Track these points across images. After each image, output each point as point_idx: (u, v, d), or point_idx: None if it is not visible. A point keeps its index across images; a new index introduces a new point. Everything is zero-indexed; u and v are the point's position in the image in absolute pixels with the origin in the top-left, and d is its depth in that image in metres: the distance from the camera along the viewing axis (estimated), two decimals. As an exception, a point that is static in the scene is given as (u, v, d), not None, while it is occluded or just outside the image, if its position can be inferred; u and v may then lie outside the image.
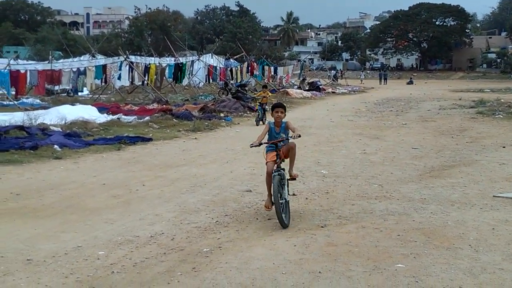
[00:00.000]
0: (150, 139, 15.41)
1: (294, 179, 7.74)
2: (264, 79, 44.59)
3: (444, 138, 16.40)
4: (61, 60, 38.29)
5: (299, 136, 7.35)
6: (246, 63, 43.76)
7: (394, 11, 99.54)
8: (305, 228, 6.97)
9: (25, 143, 12.96)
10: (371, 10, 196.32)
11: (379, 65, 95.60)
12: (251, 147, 7.46)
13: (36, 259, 5.82)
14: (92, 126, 17.02)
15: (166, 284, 5.17)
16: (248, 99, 28.05)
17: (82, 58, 38.73)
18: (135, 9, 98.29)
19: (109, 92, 34.83)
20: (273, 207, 7.09)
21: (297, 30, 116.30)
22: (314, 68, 79.42)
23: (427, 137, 16.70)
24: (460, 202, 8.31)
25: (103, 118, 19.15)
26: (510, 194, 8.68)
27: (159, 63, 35.48)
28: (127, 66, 30.38)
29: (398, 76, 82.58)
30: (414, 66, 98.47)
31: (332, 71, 68.51)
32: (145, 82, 31.58)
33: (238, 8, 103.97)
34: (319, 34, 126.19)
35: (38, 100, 26.85)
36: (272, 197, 7.08)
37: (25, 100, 25.89)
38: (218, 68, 39.56)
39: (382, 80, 65.06)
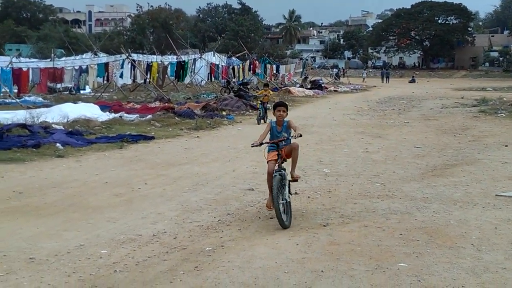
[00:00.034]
0: (152, 138, 15.41)
1: (296, 180, 7.65)
2: (266, 78, 44.56)
3: (447, 136, 16.39)
4: (63, 58, 38.19)
5: (300, 135, 7.28)
6: (248, 61, 43.75)
7: (397, 9, 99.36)
8: (308, 227, 6.97)
9: (27, 141, 12.96)
10: (373, 8, 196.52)
11: (381, 64, 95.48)
12: (252, 146, 7.42)
13: (39, 258, 5.83)
14: (94, 124, 17.03)
15: (168, 283, 5.18)
16: (250, 98, 28.03)
17: (84, 56, 38.74)
18: (137, 7, 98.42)
19: (111, 90, 34.82)
20: None
21: (299, 28, 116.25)
22: (316, 66, 79.23)
23: (429, 135, 16.68)
24: (462, 201, 8.30)
25: (105, 116, 19.17)
26: (513, 193, 8.67)
27: (161, 61, 35.43)
28: (129, 64, 30.41)
29: (400, 75, 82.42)
30: (416, 64, 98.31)
31: (334, 70, 68.38)
32: (147, 80, 31.57)
33: (240, 6, 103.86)
34: (321, 32, 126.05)
35: (40, 98, 26.88)
36: (272, 198, 7.01)
37: (27, 98, 25.90)
38: (220, 66, 39.53)
39: (384, 79, 64.92)
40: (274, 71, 48.83)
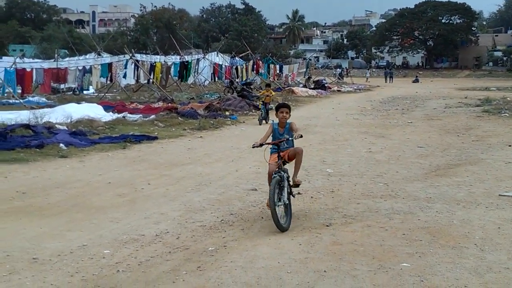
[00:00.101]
0: (155, 138, 15.43)
1: (297, 186, 7.56)
2: (269, 78, 44.56)
3: (450, 136, 16.36)
4: (67, 59, 38.36)
5: (301, 136, 7.21)
6: (251, 62, 43.74)
7: (400, 9, 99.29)
8: (310, 227, 6.96)
9: (31, 141, 13.00)
10: (377, 8, 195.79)
11: (385, 63, 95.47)
12: (252, 147, 7.39)
13: (42, 258, 5.84)
14: (98, 125, 17.06)
15: (171, 283, 5.18)
16: (253, 98, 28.04)
17: (87, 56, 38.89)
18: (140, 7, 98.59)
19: (115, 90, 34.91)
20: None
21: (303, 28, 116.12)
22: (320, 66, 79.31)
23: (432, 135, 16.66)
24: (465, 201, 8.28)
25: (109, 116, 19.21)
26: (516, 193, 8.65)
27: (164, 61, 35.53)
28: (133, 64, 30.46)
29: (403, 74, 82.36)
30: (420, 64, 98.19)
31: (338, 69, 68.35)
32: (151, 80, 31.62)
33: (243, 6, 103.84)
34: (324, 32, 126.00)
35: (44, 99, 26.96)
36: (269, 200, 6.87)
37: (31, 99, 25.99)
38: (223, 66, 39.55)
39: (388, 78, 64.85)
40: (278, 71, 48.85)
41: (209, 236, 6.68)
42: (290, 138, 7.30)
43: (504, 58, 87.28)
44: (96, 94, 31.55)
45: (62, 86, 30.62)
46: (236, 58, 45.86)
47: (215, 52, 42.89)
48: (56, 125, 16.01)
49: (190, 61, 35.59)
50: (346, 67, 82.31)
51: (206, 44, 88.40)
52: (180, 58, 37.82)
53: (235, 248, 6.16)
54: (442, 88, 47.94)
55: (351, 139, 16.05)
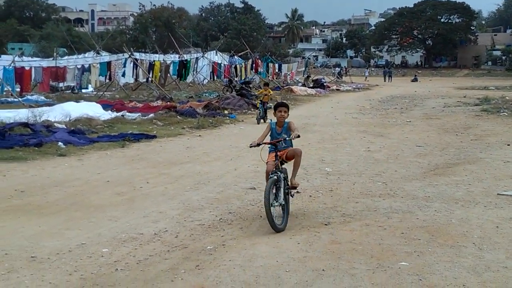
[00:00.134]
0: (154, 136, 15.42)
1: (295, 188, 7.48)
2: (268, 76, 44.55)
3: (449, 135, 16.37)
4: (66, 57, 38.31)
5: (298, 136, 7.15)
6: (250, 60, 43.79)
7: (399, 8, 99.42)
8: (309, 226, 6.97)
9: (29, 140, 12.99)
10: (376, 7, 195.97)
11: (384, 63, 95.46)
12: (250, 147, 7.35)
13: (40, 256, 5.84)
14: (97, 123, 17.05)
15: (169, 281, 5.18)
16: (252, 96, 28.03)
17: (86, 55, 38.78)
18: (139, 6, 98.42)
19: (114, 89, 34.89)
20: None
21: (302, 27, 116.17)
22: (319, 65, 79.31)
23: (431, 134, 16.67)
24: (464, 200, 8.28)
25: (107, 115, 19.20)
26: (515, 192, 8.66)
27: (163, 60, 35.52)
28: (132, 63, 30.45)
29: (402, 74, 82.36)
30: (419, 63, 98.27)
31: (337, 68, 68.43)
32: (150, 79, 31.61)
33: (242, 5, 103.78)
34: (323, 31, 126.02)
35: (42, 97, 26.93)
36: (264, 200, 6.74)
37: (29, 97, 25.96)
38: (222, 65, 39.58)
39: (387, 78, 64.85)
40: (277, 70, 48.87)
41: (207, 235, 6.68)
42: (287, 138, 7.22)
43: (503, 58, 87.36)
44: (95, 92, 31.55)
45: (61, 84, 30.55)
46: (235, 57, 45.88)
47: (214, 51, 42.89)
48: (55, 124, 16.00)
49: (189, 60, 35.61)
50: (345, 66, 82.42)
51: (205, 43, 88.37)
52: (179, 57, 37.81)
53: (233, 247, 6.16)
54: (441, 87, 47.96)
55: (350, 138, 16.05)
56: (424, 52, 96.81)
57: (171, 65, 34.03)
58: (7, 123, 15.23)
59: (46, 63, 31.42)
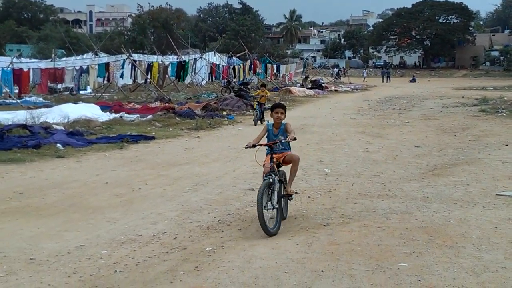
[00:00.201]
0: (152, 138, 15.42)
1: (290, 195, 7.27)
2: (266, 77, 44.57)
3: (447, 136, 16.37)
4: (64, 58, 38.25)
5: (295, 138, 7.01)
6: (248, 61, 43.77)
7: (397, 9, 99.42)
8: (308, 227, 6.96)
9: (27, 141, 12.98)
10: (374, 8, 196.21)
11: (382, 63, 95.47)
12: (245, 148, 7.25)
13: (39, 258, 5.83)
14: (95, 125, 17.04)
15: (168, 283, 5.18)
16: (250, 97, 28.03)
17: (85, 56, 38.79)
18: (137, 7, 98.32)
19: (112, 90, 34.86)
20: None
21: (300, 28, 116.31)
22: (317, 66, 79.40)
23: (429, 135, 16.67)
24: (462, 200, 8.29)
25: (106, 116, 19.19)
26: (513, 193, 8.67)
27: (161, 61, 35.48)
28: (130, 64, 30.41)
29: (401, 74, 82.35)
30: (417, 64, 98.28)
31: (335, 69, 68.42)
32: (148, 80, 31.58)
33: (241, 6, 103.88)
34: (322, 32, 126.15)
35: (41, 99, 26.88)
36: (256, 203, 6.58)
37: (28, 99, 25.92)
38: (220, 66, 39.55)
39: (385, 78, 64.83)
40: (275, 71, 48.88)
41: (206, 236, 6.68)
42: (283, 140, 7.09)
43: (501, 58, 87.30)
44: (93, 94, 31.52)
45: (59, 86, 30.55)
46: (234, 57, 45.85)
47: (213, 52, 42.91)
48: (53, 125, 15.99)
49: (187, 61, 35.58)
50: (343, 67, 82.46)
51: (203, 44, 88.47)
52: (177, 58, 37.78)
53: (232, 248, 6.16)
54: (439, 88, 47.97)
55: (348, 138, 16.06)
56: (422, 52, 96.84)
57: (169, 66, 34.00)
58: (5, 125, 15.20)
59: (44, 64, 31.42)
